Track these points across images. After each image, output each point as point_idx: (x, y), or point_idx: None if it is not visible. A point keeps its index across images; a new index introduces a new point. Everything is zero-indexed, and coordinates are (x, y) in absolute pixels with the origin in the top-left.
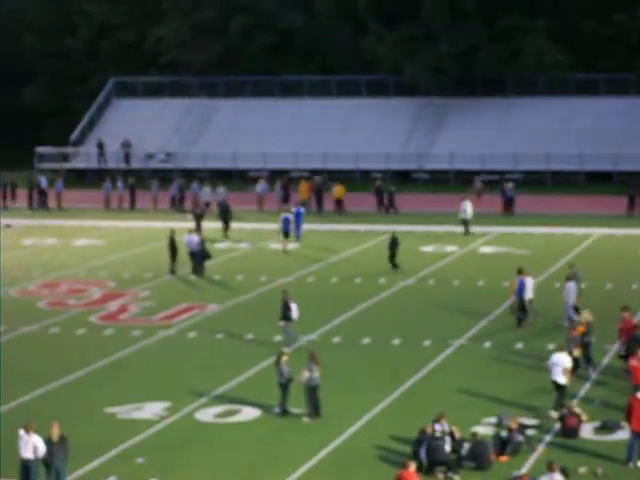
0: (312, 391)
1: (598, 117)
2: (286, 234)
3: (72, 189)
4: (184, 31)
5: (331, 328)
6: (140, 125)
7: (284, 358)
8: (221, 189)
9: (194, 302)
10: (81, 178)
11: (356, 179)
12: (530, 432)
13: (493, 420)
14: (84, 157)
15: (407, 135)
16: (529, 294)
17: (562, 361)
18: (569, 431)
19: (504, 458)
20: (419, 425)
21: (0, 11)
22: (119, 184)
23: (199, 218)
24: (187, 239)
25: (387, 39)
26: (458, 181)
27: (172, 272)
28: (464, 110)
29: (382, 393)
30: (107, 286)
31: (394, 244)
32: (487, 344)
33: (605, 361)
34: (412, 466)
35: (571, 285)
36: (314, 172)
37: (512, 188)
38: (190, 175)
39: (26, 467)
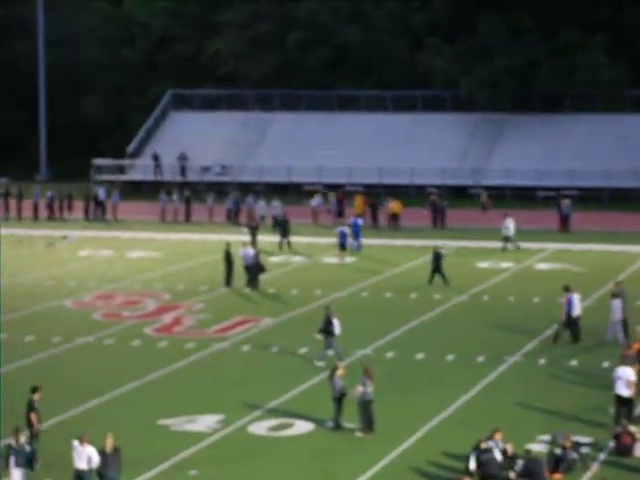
0: (366, 406)
1: None
2: (342, 247)
3: (128, 201)
4: (241, 44)
5: (385, 343)
6: (196, 138)
7: (338, 372)
8: (276, 203)
9: (248, 315)
10: (137, 190)
11: (411, 194)
12: (584, 450)
13: (547, 437)
14: (140, 169)
15: (463, 150)
16: (577, 311)
17: (626, 374)
18: (623, 449)
19: (558, 476)
20: (473, 441)
21: (62, 23)
22: (175, 196)
23: (254, 231)
24: (243, 252)
25: (443, 54)
26: (515, 197)
27: (228, 285)
28: (521, 126)
29: (436, 409)
30: (162, 298)
31: (437, 259)
32: (542, 361)
33: None
34: None
35: (616, 302)
36: (369, 187)
37: (569, 205)
38: (245, 188)
39: (80, 478)
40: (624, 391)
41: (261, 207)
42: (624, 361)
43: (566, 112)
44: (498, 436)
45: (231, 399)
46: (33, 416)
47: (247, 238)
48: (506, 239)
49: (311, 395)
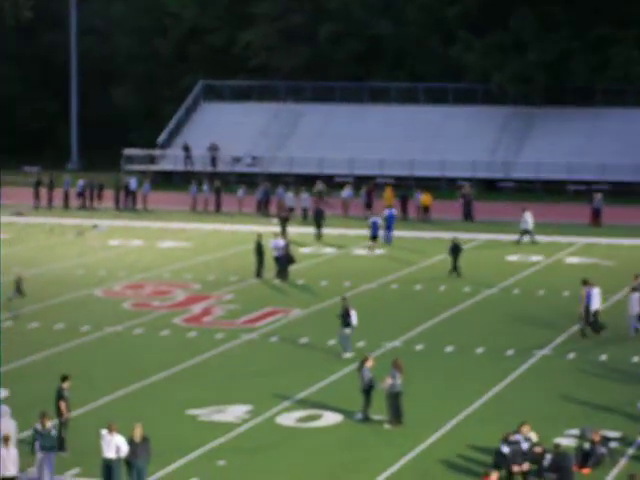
0: (394, 398)
1: None
2: (374, 237)
3: (159, 191)
4: (273, 36)
5: (414, 335)
6: (227, 129)
7: (367, 364)
8: (305, 195)
9: (278, 306)
10: (168, 180)
11: (442, 187)
12: (613, 445)
13: (576, 432)
14: (171, 159)
15: (494, 143)
16: (596, 305)
17: None
18: None
19: (586, 470)
20: (501, 435)
21: (94, 13)
22: (205, 187)
23: (284, 222)
24: (273, 243)
25: (475, 47)
26: (545, 190)
27: (258, 276)
28: (552, 119)
29: (464, 402)
30: (192, 288)
31: (456, 250)
32: (571, 355)
33: None
34: (494, 475)
35: (635, 296)
36: (400, 179)
37: (600, 199)
38: (276, 179)
39: (108, 467)
40: None
41: (290, 199)
42: None
43: (598, 106)
44: (526, 429)
45: (260, 390)
46: (62, 404)
47: (277, 229)
48: (524, 232)
49: (340, 386)
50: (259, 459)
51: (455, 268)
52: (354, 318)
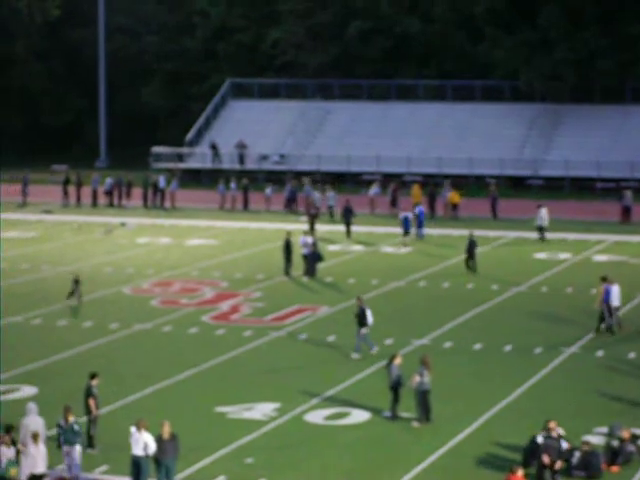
0: (423, 396)
1: None
2: (406, 233)
3: (187, 189)
4: (300, 34)
5: (442, 333)
6: (255, 127)
7: (396, 361)
8: (330, 193)
9: (306, 304)
10: (196, 178)
11: (470, 184)
12: None
13: (605, 429)
14: (199, 157)
15: (522, 141)
16: (615, 301)
17: None
18: None
19: (615, 468)
20: (529, 432)
21: (121, 11)
22: (232, 185)
23: (313, 219)
24: (302, 240)
25: (503, 44)
26: (573, 188)
27: (287, 274)
28: (580, 117)
29: (492, 399)
30: (220, 286)
31: (472, 246)
32: (599, 353)
33: None
34: (520, 471)
35: None
36: (428, 176)
37: (630, 196)
38: (303, 177)
39: (136, 464)
40: None
41: (316, 197)
42: None
43: (626, 103)
44: (552, 425)
45: (288, 387)
46: (91, 402)
47: (305, 227)
48: (540, 229)
49: (368, 384)
50: (287, 457)
51: (469, 263)
52: (370, 317)
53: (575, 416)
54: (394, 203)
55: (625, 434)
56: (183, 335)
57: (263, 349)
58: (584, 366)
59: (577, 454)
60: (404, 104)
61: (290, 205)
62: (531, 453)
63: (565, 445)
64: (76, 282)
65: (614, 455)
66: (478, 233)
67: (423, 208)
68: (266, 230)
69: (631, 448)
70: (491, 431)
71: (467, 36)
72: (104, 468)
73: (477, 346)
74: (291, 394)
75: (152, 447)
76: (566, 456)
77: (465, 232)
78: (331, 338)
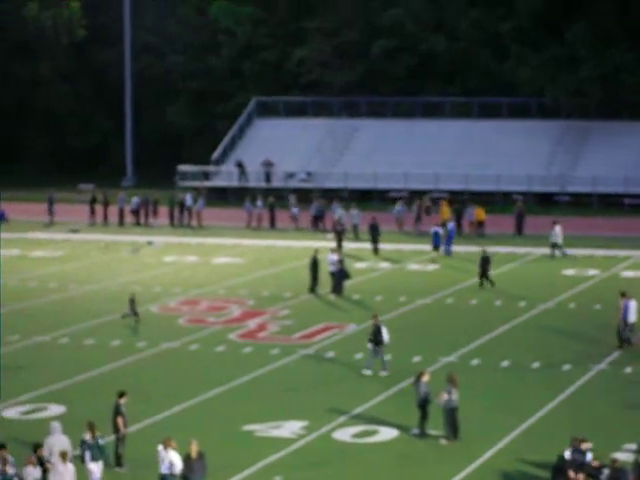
0: (451, 413)
1: None
2: (436, 247)
3: (213, 207)
4: (326, 52)
5: (470, 350)
6: (281, 145)
7: (424, 378)
8: (355, 211)
9: (333, 321)
10: (222, 196)
11: (497, 201)
12: None
13: (634, 446)
14: (225, 176)
15: (549, 157)
16: (632, 317)
17: None
18: None
19: None
20: (557, 449)
21: (147, 30)
22: (259, 203)
23: (340, 236)
24: (330, 258)
25: (529, 62)
26: (601, 204)
27: (312, 291)
28: (607, 133)
29: (520, 416)
30: (246, 304)
31: (485, 262)
32: (628, 369)
33: None
34: None
35: None
36: (455, 193)
37: None
38: (330, 195)
39: None
40: None
41: (341, 214)
42: None
43: None
44: (580, 440)
45: (316, 405)
46: (120, 420)
47: (332, 244)
48: (554, 246)
49: (396, 402)
50: (315, 475)
51: (485, 279)
52: (386, 335)
53: (604, 433)
54: (419, 220)
55: None
56: (210, 353)
57: (290, 367)
58: (613, 383)
59: (606, 471)
60: (430, 121)
61: (317, 223)
62: (559, 470)
63: (590, 457)
64: (132, 302)
65: None
66: (504, 250)
67: (454, 225)
68: (293, 248)
69: None
70: (519, 448)
71: (493, 53)
72: None
73: (505, 363)
74: (319, 412)
75: (178, 466)
76: (593, 472)
77: (490, 249)
78: (358, 356)
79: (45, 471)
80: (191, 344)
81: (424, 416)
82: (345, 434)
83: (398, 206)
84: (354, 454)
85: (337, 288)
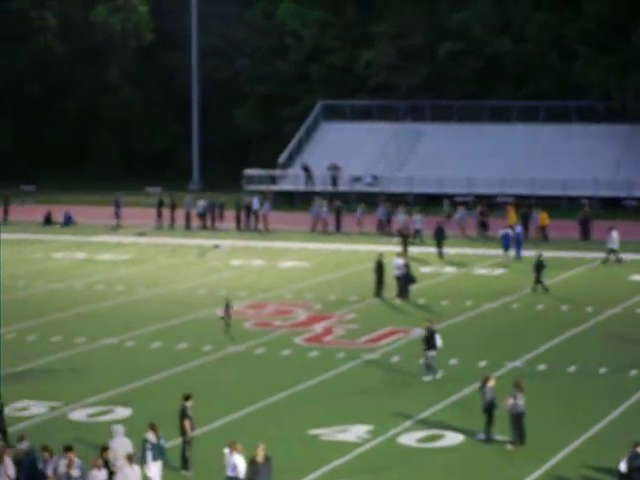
0: (517, 418)
1: None
2: (506, 249)
3: (279, 211)
4: (393, 55)
5: (536, 355)
6: (347, 148)
7: (489, 383)
8: (417, 216)
9: (399, 326)
10: (288, 200)
11: (563, 206)
12: None
13: None
14: (292, 179)
15: (616, 161)
16: None
17: None
18: None
19: None
20: (624, 455)
21: (214, 34)
22: (324, 207)
23: (406, 240)
24: (396, 262)
25: (597, 64)
26: None
27: (377, 295)
28: None
29: (587, 422)
30: (313, 308)
31: (540, 266)
32: None
33: None
34: None
35: None
36: (521, 197)
37: None
38: (396, 199)
39: None
40: None
41: (403, 219)
42: None
43: None
44: None
45: (381, 409)
46: (186, 423)
47: (398, 248)
48: (611, 251)
49: (462, 406)
50: (380, 479)
51: (539, 284)
52: (439, 341)
53: None
54: (484, 226)
55: None
56: (276, 357)
57: (356, 371)
58: None
59: None
60: (497, 125)
61: (383, 227)
62: (624, 477)
63: None
64: (227, 306)
65: None
66: (570, 255)
67: (522, 229)
68: (359, 252)
69: None
70: (586, 454)
71: (559, 56)
72: None
73: (571, 368)
74: (384, 416)
75: (241, 470)
76: None
77: (556, 254)
78: (423, 360)
79: (111, 474)
80: (257, 348)
81: (490, 421)
82: (410, 439)
83: (459, 211)
84: (419, 459)
85: (403, 292)
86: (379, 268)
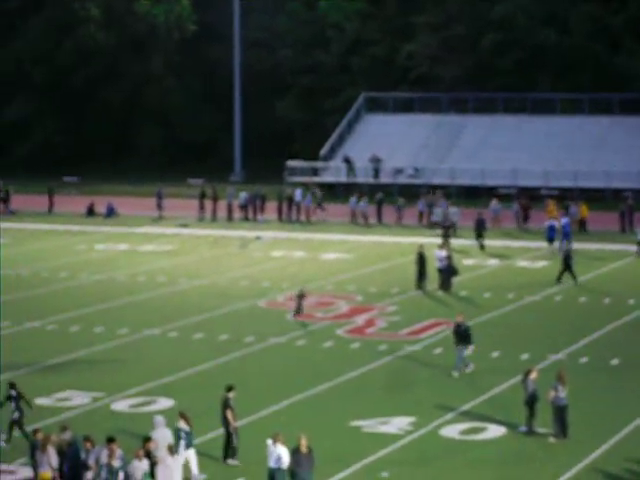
0: (560, 411)
1: None
2: (551, 240)
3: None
4: (435, 46)
5: (578, 348)
6: (389, 140)
7: (531, 376)
8: (454, 209)
9: (441, 318)
10: (330, 192)
11: (607, 198)
12: None
13: None
14: (333, 171)
15: None
16: None
17: None
18: None
19: None
20: None
21: (256, 26)
22: (362, 203)
23: (447, 232)
24: (437, 254)
25: None
26: None
27: (419, 288)
28: None
29: (630, 415)
30: (354, 300)
31: (568, 258)
32: None
33: None
34: None
35: None
36: (564, 190)
37: None
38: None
39: (272, 476)
40: None
41: (437, 214)
42: None
43: None
44: None
45: (423, 401)
46: (229, 414)
47: (439, 240)
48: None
49: (504, 399)
50: (422, 471)
51: (568, 273)
52: (468, 337)
53: None
54: (525, 219)
55: None
56: (318, 349)
57: (398, 363)
58: None
59: None
60: (540, 117)
61: (425, 219)
62: None
63: None
64: (300, 297)
65: None
66: (612, 247)
67: (568, 220)
68: (400, 244)
69: None
70: (629, 447)
71: (604, 47)
72: None
73: (614, 361)
74: (426, 408)
75: (285, 460)
76: None
77: (596, 246)
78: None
79: (153, 464)
80: (298, 339)
81: (532, 414)
82: (452, 431)
83: (494, 204)
84: (461, 451)
85: (445, 284)
86: (420, 260)
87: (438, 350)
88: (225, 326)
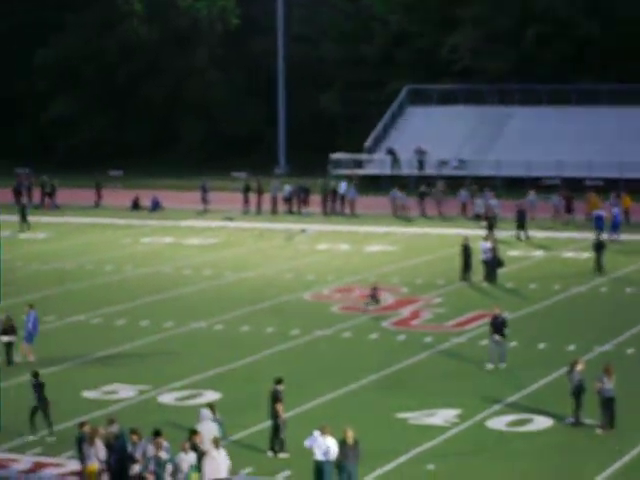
0: (607, 402)
1: None
2: (600, 230)
3: (365, 195)
4: (479, 39)
5: (625, 339)
6: (433, 132)
7: (578, 367)
8: (494, 201)
9: (486, 310)
10: (375, 184)
11: None
12: None
13: None
14: (377, 164)
15: None
16: None
17: None
18: None
19: None
20: None
21: (300, 19)
22: (398, 193)
23: (492, 223)
24: (482, 246)
25: None
26: None
27: (464, 279)
28: None
29: None
30: (399, 292)
31: (598, 247)
32: None
33: None
34: None
35: None
36: (608, 181)
37: None
38: (482, 183)
39: (319, 468)
40: None
41: (479, 205)
42: None
43: None
44: None
45: (469, 393)
46: (279, 406)
47: (484, 232)
48: None
49: (551, 390)
50: (469, 463)
51: (599, 265)
52: (506, 329)
53: None
54: (568, 210)
55: None
56: (363, 341)
57: (443, 355)
58: None
59: None
60: (585, 108)
61: (467, 210)
62: None
63: None
64: (374, 289)
65: None
66: None
67: (618, 210)
68: (444, 235)
69: None
70: None
71: None
72: (286, 473)
73: None
74: (472, 400)
75: (333, 452)
76: None
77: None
78: (512, 344)
79: (201, 456)
80: (344, 332)
81: (578, 405)
82: (499, 422)
83: (531, 196)
84: (508, 443)
85: (490, 276)
86: (465, 251)
87: (483, 342)
88: (271, 319)
